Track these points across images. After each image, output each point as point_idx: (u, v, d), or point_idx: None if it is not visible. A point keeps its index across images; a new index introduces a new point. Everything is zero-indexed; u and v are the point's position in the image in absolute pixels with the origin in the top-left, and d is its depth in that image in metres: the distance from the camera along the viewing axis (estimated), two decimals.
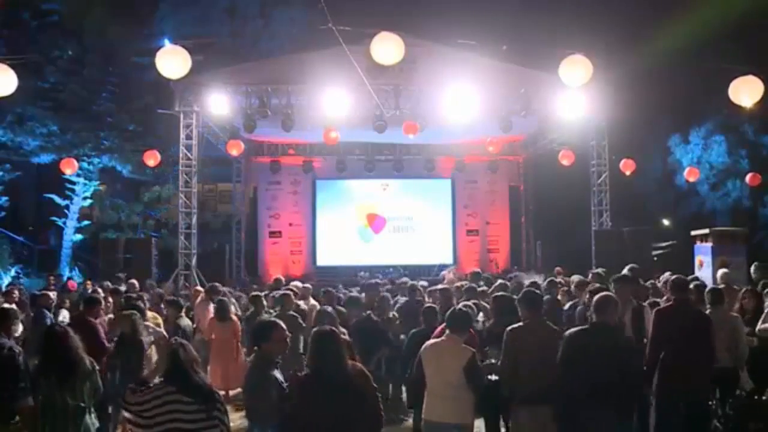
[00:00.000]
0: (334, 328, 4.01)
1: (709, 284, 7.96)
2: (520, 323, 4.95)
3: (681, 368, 5.29)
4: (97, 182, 19.84)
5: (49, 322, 7.51)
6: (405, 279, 10.83)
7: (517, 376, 4.75)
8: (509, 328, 4.91)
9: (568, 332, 4.87)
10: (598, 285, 7.11)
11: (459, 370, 4.66)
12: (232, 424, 3.80)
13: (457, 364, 4.68)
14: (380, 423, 3.82)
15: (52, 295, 9.45)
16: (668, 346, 5.42)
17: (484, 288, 8.56)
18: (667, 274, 9.20)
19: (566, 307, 7.57)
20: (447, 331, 4.95)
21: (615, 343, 4.64)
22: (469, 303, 6.59)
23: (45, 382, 4.37)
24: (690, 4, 16.93)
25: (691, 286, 6.40)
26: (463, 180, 20.22)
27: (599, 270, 9.34)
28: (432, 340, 5.03)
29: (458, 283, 9.50)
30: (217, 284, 10.01)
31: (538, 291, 5.75)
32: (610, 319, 4.72)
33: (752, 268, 8.74)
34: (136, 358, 5.97)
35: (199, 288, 10.81)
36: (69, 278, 14.84)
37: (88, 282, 13.16)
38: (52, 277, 13.40)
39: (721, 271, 9.73)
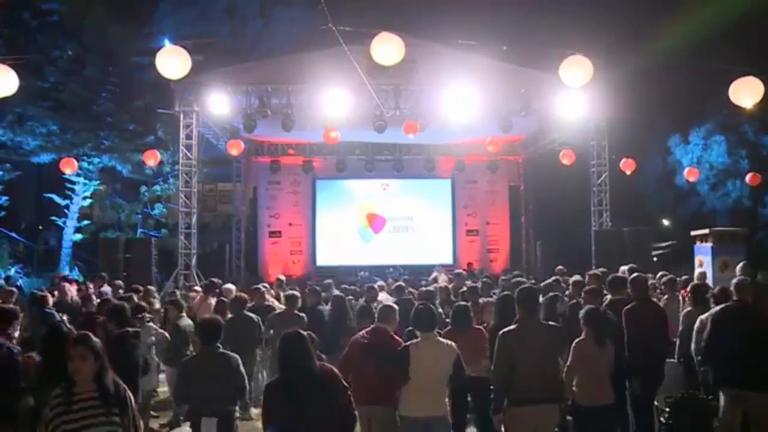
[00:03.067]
0: (300, 331, 3.99)
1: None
2: (513, 326, 4.89)
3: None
4: (97, 182, 19.84)
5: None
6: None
7: (511, 379, 4.72)
8: (502, 331, 4.87)
9: (711, 310, 5.64)
10: (594, 286, 7.17)
11: (449, 367, 4.71)
12: None
13: (448, 361, 4.72)
14: (353, 420, 3.93)
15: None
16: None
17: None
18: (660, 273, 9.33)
19: (564, 310, 7.52)
20: (419, 333, 4.88)
21: (750, 320, 5.32)
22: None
23: (46, 384, 4.31)
24: (690, 4, 16.94)
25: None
26: (463, 180, 20.22)
27: (598, 271, 9.38)
28: (417, 341, 4.88)
29: (443, 284, 9.51)
30: (215, 279, 10.00)
31: (534, 289, 5.72)
32: (748, 299, 5.47)
33: (738, 267, 8.85)
34: None
35: (197, 288, 10.76)
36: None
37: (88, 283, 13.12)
38: (57, 278, 13.36)
39: (698, 271, 9.92)
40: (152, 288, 9.57)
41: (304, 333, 3.97)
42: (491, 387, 4.97)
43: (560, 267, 11.48)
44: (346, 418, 3.85)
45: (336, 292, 9.28)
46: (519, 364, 4.71)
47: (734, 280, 5.73)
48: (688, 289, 7.46)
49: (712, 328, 5.49)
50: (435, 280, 11.67)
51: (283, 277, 11.97)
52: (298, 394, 3.67)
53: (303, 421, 3.64)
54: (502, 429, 4.83)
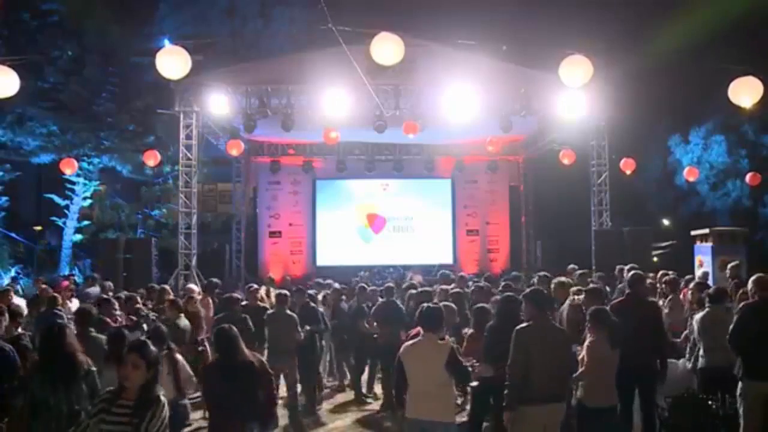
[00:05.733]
0: (233, 326, 4.78)
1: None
2: (527, 323, 4.93)
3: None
4: (97, 182, 19.84)
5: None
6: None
7: (527, 376, 4.73)
8: (518, 327, 4.90)
9: (744, 304, 5.71)
10: (592, 286, 7.17)
11: (442, 367, 4.66)
12: None
13: (439, 362, 4.67)
14: (274, 401, 4.85)
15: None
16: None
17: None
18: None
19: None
20: (422, 331, 4.93)
21: None
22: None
23: (40, 383, 4.27)
24: (690, 4, 16.93)
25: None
26: (463, 180, 20.22)
27: (583, 271, 9.63)
28: (410, 341, 5.00)
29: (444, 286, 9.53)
30: (214, 280, 10.06)
31: (545, 290, 5.75)
32: None
33: (729, 267, 8.87)
34: None
35: (191, 287, 10.67)
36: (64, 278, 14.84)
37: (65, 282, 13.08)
38: (66, 281, 13.36)
39: (701, 271, 9.95)
40: (167, 287, 9.65)
41: (234, 328, 4.75)
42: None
43: (572, 266, 11.42)
44: (268, 398, 4.74)
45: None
46: (533, 361, 4.72)
47: (753, 277, 5.79)
48: (691, 287, 7.48)
49: (738, 326, 5.56)
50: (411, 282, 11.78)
51: (272, 276, 12.09)
52: (227, 376, 4.50)
53: (230, 397, 4.43)
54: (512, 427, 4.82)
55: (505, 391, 4.83)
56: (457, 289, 8.69)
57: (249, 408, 4.49)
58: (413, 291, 8.86)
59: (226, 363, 4.57)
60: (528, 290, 5.37)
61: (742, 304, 5.81)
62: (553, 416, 4.80)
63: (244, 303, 8.59)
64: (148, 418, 3.47)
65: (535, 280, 9.01)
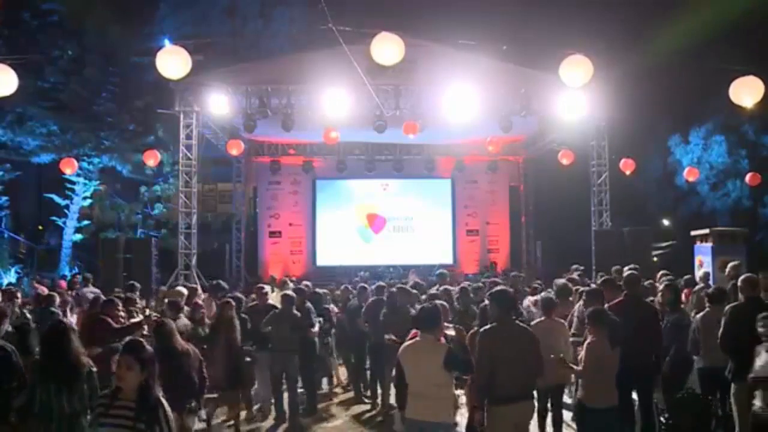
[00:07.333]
0: (172, 324, 5.81)
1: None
2: (491, 325, 4.95)
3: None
4: (97, 182, 19.84)
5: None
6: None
7: (493, 377, 4.75)
8: (482, 330, 4.95)
9: (730, 305, 5.81)
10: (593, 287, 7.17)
11: (440, 368, 4.64)
12: None
13: (436, 362, 4.65)
14: (204, 381, 5.74)
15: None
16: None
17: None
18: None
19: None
20: (419, 332, 4.92)
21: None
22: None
23: (44, 384, 4.28)
24: (690, 4, 16.92)
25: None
26: (463, 180, 20.22)
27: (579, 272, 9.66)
28: (408, 342, 4.98)
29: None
30: (222, 282, 10.12)
31: (509, 290, 5.75)
32: (759, 294, 5.79)
33: (729, 267, 8.88)
34: None
35: (180, 289, 10.59)
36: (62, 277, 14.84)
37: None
38: (64, 281, 13.37)
39: (701, 271, 9.98)
40: (181, 288, 9.71)
41: (171, 322, 5.81)
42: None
43: (575, 266, 11.37)
44: (199, 377, 5.61)
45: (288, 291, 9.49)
46: (500, 362, 4.74)
47: (741, 277, 5.83)
48: (661, 288, 7.48)
49: (727, 327, 5.60)
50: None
51: (275, 275, 12.07)
52: (165, 361, 5.01)
53: (169, 379, 4.90)
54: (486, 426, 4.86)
55: (479, 390, 4.90)
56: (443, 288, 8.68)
57: (186, 388, 5.35)
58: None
59: (164, 350, 5.25)
60: (493, 290, 5.40)
61: (729, 305, 5.82)
62: (522, 415, 4.87)
63: (253, 303, 8.65)
64: (157, 428, 3.46)
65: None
